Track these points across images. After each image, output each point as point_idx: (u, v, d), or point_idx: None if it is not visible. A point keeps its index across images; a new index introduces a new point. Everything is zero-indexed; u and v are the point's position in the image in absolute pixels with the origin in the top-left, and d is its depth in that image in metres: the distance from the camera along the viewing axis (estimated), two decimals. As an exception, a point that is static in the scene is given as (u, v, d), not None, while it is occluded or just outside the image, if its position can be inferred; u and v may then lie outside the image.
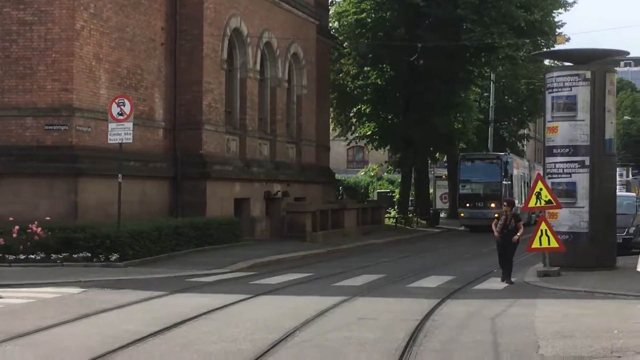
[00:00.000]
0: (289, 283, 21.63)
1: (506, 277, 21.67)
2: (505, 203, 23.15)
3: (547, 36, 49.22)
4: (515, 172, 54.76)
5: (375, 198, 62.38)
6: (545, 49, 47.94)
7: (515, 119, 73.32)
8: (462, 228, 53.69)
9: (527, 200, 23.23)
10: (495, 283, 22.08)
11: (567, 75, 24.48)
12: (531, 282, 21.63)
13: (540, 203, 22.43)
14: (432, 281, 22.37)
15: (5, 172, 27.06)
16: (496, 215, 45.94)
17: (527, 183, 57.90)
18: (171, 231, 27.73)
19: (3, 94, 27.47)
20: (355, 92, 54.05)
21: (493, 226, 21.97)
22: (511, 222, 21.66)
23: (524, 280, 22.19)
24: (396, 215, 54.09)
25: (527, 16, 46.06)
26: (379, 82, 52.93)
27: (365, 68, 53.06)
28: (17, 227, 24.48)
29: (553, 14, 51.16)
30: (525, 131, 78.04)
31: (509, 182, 52.65)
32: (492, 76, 60.21)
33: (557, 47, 48.84)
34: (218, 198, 33.79)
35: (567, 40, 50.74)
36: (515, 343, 13.00)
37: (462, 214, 53.52)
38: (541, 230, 21.96)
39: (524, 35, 46.83)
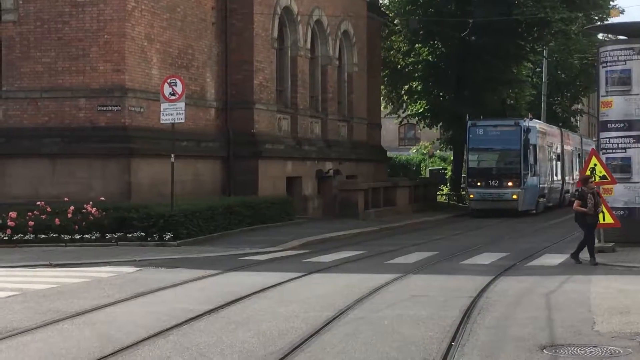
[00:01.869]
0: (341, 261, 21.65)
1: (591, 256, 20.58)
2: (591, 179, 21.14)
3: (600, 9, 48.59)
4: (540, 142, 43.84)
5: (428, 175, 62.06)
6: (598, 23, 47.35)
7: (569, 94, 72.60)
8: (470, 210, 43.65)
9: (582, 176, 23.00)
10: (549, 259, 21.93)
11: (621, 49, 24.17)
12: (586, 259, 21.43)
13: (595, 179, 22.18)
14: (484, 258, 22.27)
15: (60, 153, 27.37)
16: (515, 196, 39.98)
17: (559, 155, 49.96)
18: (224, 210, 27.88)
19: (57, 76, 27.74)
20: (407, 70, 53.79)
21: (578, 207, 20.50)
22: (598, 199, 21.21)
23: (578, 257, 22.00)
24: (449, 193, 53.88)
25: (580, -11, 45.56)
26: (430, 59, 52.60)
27: (416, 45, 52.71)
28: (72, 208, 24.83)
29: (607, -14, 50.55)
30: (579, 106, 77.28)
31: (532, 154, 42.05)
32: (545, 51, 59.52)
33: (611, 20, 48.24)
34: (270, 177, 33.90)
35: (622, 12, 50.18)
36: (570, 319, 12.90)
37: (471, 195, 42.68)
38: (596, 206, 21.72)
39: (577, 8, 46.30)
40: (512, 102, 56.32)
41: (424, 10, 49.72)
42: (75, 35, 27.60)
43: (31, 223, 24.46)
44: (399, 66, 54.11)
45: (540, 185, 44.02)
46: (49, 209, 25.00)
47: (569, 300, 14.77)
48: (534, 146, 42.27)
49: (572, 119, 74.43)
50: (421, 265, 20.73)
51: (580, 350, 10.88)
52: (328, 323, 12.60)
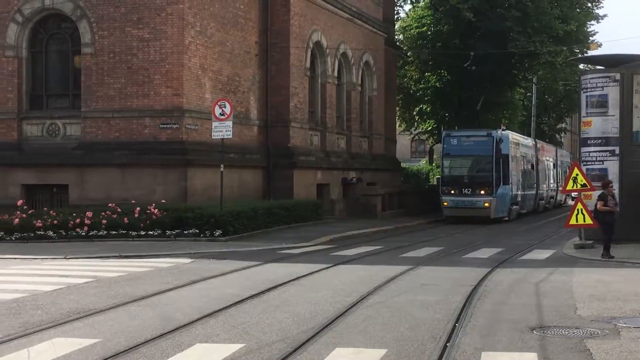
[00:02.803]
0: (363, 254, 21.60)
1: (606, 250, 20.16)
2: (611, 184, 20.83)
3: (581, 44, 48.26)
4: (512, 151, 38.70)
5: (435, 183, 61.75)
6: (580, 55, 47.10)
7: (554, 115, 72.31)
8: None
9: (565, 184, 22.86)
10: (538, 254, 21.79)
11: (599, 77, 24.03)
12: (569, 254, 21.32)
13: (577, 186, 22.06)
14: (483, 253, 22.15)
15: (129, 163, 27.48)
16: (487, 204, 35.66)
17: (533, 165, 44.69)
18: (264, 211, 27.88)
19: (126, 99, 27.87)
20: (418, 94, 53.72)
21: (602, 207, 19.98)
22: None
23: (562, 252, 21.86)
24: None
25: (564, 27, 45.24)
26: (438, 85, 52.44)
27: (426, 73, 52.64)
28: (138, 209, 24.92)
29: (587, 25, 50.19)
30: (563, 125, 76.86)
31: (504, 163, 37.17)
32: (534, 79, 59.19)
33: (591, 53, 47.90)
34: (303, 183, 33.90)
35: (599, 46, 49.65)
36: (556, 305, 12.80)
37: (445, 202, 37.67)
38: (577, 210, 21.60)
39: (562, 43, 46.02)
40: (506, 121, 55.97)
41: (433, 44, 49.61)
42: (142, 65, 27.72)
43: (104, 221, 24.57)
44: (411, 91, 54.04)
45: (513, 193, 38.84)
46: (119, 210, 25.11)
47: (554, 289, 14.66)
48: (506, 155, 37.31)
49: (557, 136, 74.07)
50: (430, 258, 20.66)
51: (564, 331, 10.79)
52: (352, 306, 12.57)
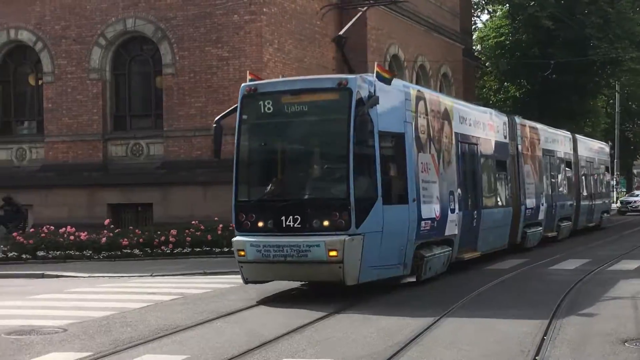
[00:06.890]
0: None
1: None
2: None
3: (666, 48, 47.26)
4: (421, 127, 16.36)
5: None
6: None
7: (639, 122, 70.83)
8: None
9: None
10: (627, 264, 21.26)
11: (686, 82, 23.30)
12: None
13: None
14: (570, 264, 21.70)
15: (210, 181, 27.74)
16: (333, 253, 14.06)
17: (505, 160, 23.49)
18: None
19: (207, 117, 28.16)
20: (497, 105, 53.18)
21: None
22: None
23: (652, 262, 21.31)
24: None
25: (647, 32, 44.43)
26: (517, 95, 51.92)
27: (505, 83, 52.16)
28: (220, 225, 25.17)
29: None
30: (649, 132, 75.26)
31: (394, 152, 15.40)
32: (617, 86, 58.04)
33: (675, 57, 46.79)
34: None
35: (685, 51, 48.46)
36: (649, 317, 12.50)
37: (241, 251, 14.97)
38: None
39: (645, 48, 45.19)
40: (589, 130, 54.98)
41: (511, 54, 49.15)
42: (222, 84, 28.05)
43: (188, 239, 24.92)
44: (491, 102, 53.49)
45: (424, 220, 16.27)
46: (202, 227, 25.43)
47: (646, 300, 14.29)
48: (400, 136, 15.67)
49: (643, 143, 72.69)
50: (515, 269, 20.33)
51: (658, 343, 10.52)
52: (438, 320, 12.46)
